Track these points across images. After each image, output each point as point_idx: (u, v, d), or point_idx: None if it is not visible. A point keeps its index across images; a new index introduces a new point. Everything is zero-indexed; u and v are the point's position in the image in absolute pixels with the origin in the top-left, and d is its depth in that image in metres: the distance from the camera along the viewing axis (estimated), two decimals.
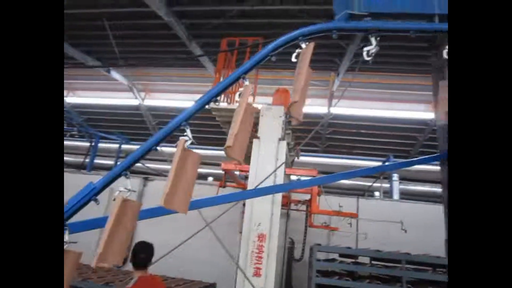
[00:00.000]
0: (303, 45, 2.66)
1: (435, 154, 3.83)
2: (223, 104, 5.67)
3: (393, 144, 12.52)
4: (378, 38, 2.67)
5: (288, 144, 5.42)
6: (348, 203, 6.96)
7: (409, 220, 6.38)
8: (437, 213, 6.41)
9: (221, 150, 11.32)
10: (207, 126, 11.98)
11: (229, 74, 6.00)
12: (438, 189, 9.25)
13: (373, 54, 2.77)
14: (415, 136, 12.22)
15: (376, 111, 11.07)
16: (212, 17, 8.36)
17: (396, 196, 7.96)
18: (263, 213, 4.41)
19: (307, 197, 6.51)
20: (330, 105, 11.78)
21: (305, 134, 12.65)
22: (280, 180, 4.60)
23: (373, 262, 4.99)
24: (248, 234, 4.38)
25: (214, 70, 8.80)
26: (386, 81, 9.99)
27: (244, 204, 7.56)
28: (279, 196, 4.55)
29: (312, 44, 2.68)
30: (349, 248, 4.95)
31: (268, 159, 4.58)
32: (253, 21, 8.22)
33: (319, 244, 5.00)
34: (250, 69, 2.62)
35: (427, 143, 12.09)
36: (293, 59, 2.73)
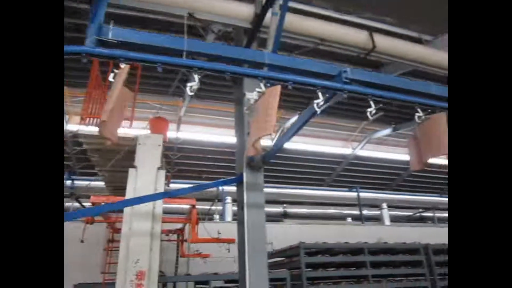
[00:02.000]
0: (122, 65, 2.60)
1: (235, 177, 4.20)
2: (91, 130, 4.92)
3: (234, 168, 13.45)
4: (199, 77, 2.83)
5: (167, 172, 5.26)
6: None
7: (281, 241, 6.56)
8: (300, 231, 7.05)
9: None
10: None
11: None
12: (272, 209, 10.35)
13: (195, 90, 2.87)
14: None
15: (219, 136, 11.74)
16: None
17: (229, 218, 8.47)
18: (141, 248, 4.07)
19: (178, 226, 6.28)
20: (178, 130, 11.89)
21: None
22: (159, 210, 4.34)
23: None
24: (124, 274, 3.93)
25: None
26: (226, 108, 10.79)
27: (109, 241, 6.65)
28: (158, 230, 4.33)
29: (126, 67, 2.62)
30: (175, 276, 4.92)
31: (146, 189, 4.26)
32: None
33: None
34: None
35: (270, 167, 13.58)
36: (110, 79, 2.65)
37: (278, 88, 2.88)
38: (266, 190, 10.62)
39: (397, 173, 14.42)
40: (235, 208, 9.46)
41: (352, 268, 5.17)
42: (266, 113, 2.94)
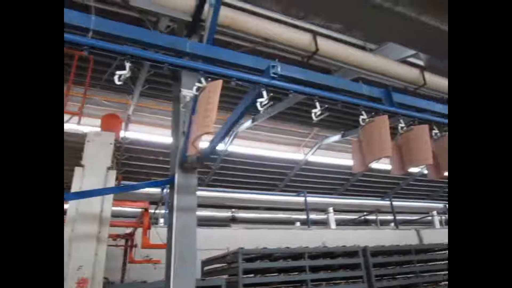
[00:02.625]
0: None
1: (166, 179, 3.93)
2: None
3: None
4: (129, 64, 2.56)
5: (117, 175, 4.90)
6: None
7: (230, 245, 6.24)
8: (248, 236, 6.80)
9: None
10: None
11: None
12: (220, 213, 10.07)
13: (123, 79, 2.59)
14: (207, 165, 13.20)
15: (170, 138, 11.27)
16: None
17: None
18: (85, 253, 3.72)
19: (127, 230, 5.92)
20: (126, 129, 11.26)
21: None
22: (107, 213, 4.06)
23: None
24: (64, 281, 3.55)
25: None
26: None
27: None
28: (105, 234, 3.95)
29: None
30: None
31: None
32: None
33: None
34: None
35: (218, 171, 13.35)
36: None
37: (219, 83, 2.69)
38: (215, 194, 10.30)
39: (346, 178, 14.92)
40: None
41: (293, 273, 5.09)
42: (206, 109, 2.75)
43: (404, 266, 5.72)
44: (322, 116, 3.48)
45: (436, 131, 4.00)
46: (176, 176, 3.64)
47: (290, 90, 2.67)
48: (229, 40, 5.14)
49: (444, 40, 6.08)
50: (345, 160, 13.01)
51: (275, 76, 2.35)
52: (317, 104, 3.40)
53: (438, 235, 8.36)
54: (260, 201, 9.98)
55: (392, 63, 5.72)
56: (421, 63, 7.78)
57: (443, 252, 6.08)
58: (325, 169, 14.08)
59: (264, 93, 2.86)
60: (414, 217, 10.38)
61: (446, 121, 3.57)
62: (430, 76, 5.72)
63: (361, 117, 3.55)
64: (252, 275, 4.93)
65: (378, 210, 9.20)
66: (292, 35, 4.81)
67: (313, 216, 9.97)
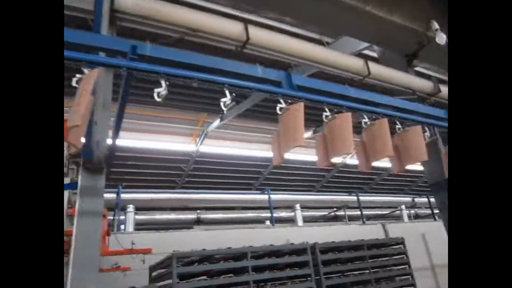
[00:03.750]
0: None
1: (74, 182, 3.67)
2: None
3: (163, 175, 12.78)
4: None
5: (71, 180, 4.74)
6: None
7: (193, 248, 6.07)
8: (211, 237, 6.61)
9: None
10: None
11: None
12: (178, 216, 9.78)
13: None
14: (180, 167, 12.94)
15: (146, 142, 11.05)
16: None
17: (131, 228, 7.82)
18: None
19: None
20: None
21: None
22: None
23: None
24: None
25: None
26: (146, 112, 10.10)
27: None
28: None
29: None
30: None
31: None
32: None
33: None
34: None
35: (191, 173, 13.12)
36: None
37: (93, 73, 2.46)
38: (179, 196, 9.98)
39: (322, 174, 14.75)
40: (140, 217, 8.83)
41: (237, 275, 4.84)
42: (77, 102, 2.51)
43: (356, 262, 5.53)
44: (231, 105, 3.27)
45: (365, 119, 3.86)
46: (80, 177, 3.38)
47: (157, 72, 2.43)
48: (157, 32, 4.89)
49: (392, 30, 5.91)
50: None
51: (135, 58, 2.12)
52: (227, 92, 3.18)
53: (404, 228, 8.21)
54: (226, 201, 9.75)
55: (337, 54, 5.51)
56: (375, 55, 7.63)
57: (397, 246, 5.91)
58: (300, 166, 13.89)
59: (162, 82, 2.66)
60: (385, 212, 10.24)
61: (362, 106, 3.41)
62: (374, 66, 5.54)
63: (279, 105, 3.40)
64: (191, 279, 4.68)
65: (346, 206, 9.03)
66: (222, 24, 4.57)
67: (283, 214, 9.77)
